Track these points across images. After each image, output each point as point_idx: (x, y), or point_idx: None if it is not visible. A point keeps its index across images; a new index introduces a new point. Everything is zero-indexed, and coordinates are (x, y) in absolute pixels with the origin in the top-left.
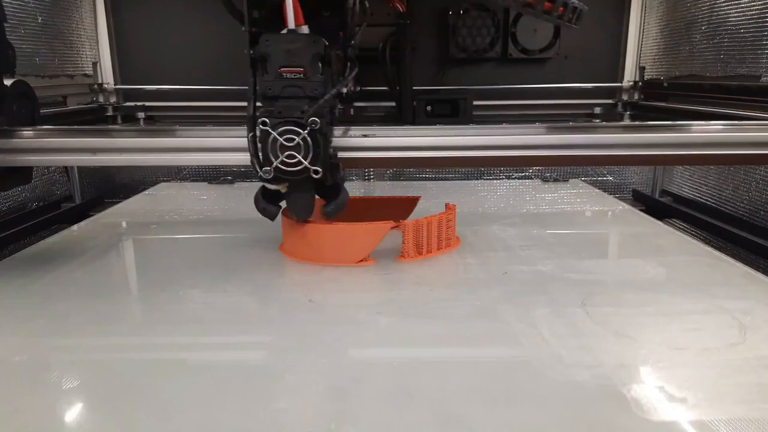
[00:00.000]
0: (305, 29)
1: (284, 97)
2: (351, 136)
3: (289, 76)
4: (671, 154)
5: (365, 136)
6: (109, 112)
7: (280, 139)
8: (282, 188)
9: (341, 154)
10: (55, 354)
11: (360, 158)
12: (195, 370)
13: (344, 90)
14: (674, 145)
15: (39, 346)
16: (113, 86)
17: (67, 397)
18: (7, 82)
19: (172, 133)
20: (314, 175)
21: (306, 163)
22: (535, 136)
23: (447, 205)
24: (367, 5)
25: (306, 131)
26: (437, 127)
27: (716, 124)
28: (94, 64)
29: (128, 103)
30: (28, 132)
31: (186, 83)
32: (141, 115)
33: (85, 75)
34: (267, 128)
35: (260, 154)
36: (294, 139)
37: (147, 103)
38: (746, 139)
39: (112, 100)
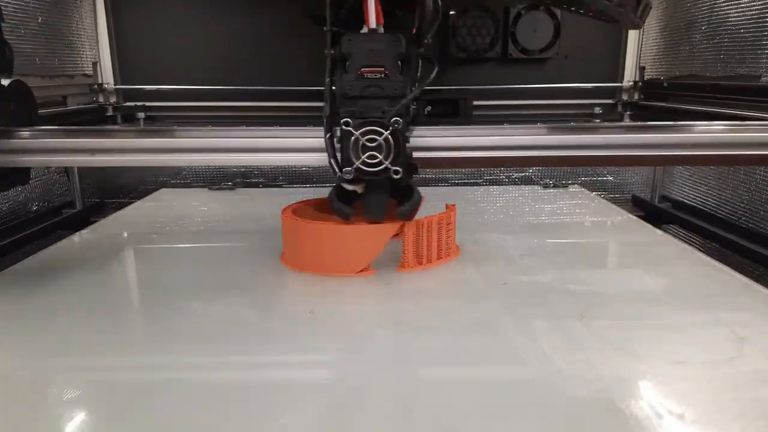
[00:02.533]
0: (380, 29)
1: (365, 97)
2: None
3: (370, 76)
4: (670, 155)
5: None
6: (109, 112)
7: (363, 140)
8: (359, 189)
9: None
10: (57, 370)
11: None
12: (196, 386)
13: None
14: (673, 146)
15: (40, 362)
16: (113, 86)
17: (70, 414)
18: (5, 82)
19: (171, 134)
20: (394, 176)
21: (387, 163)
22: (535, 136)
23: (447, 206)
24: (440, 4)
25: (388, 131)
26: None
27: (717, 124)
28: (94, 64)
29: (128, 103)
30: (25, 132)
31: (186, 83)
32: (141, 115)
33: (85, 75)
34: (349, 128)
35: (338, 154)
36: (376, 140)
37: (147, 103)
38: (747, 140)
39: (112, 100)
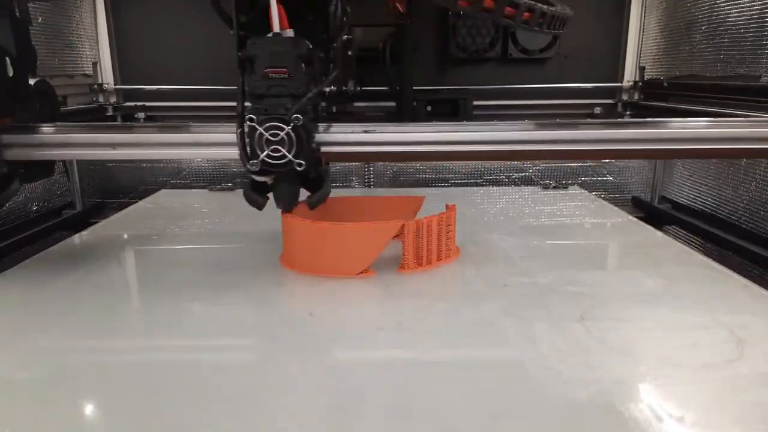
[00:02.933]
0: (290, 32)
1: (270, 96)
2: (353, 132)
3: (274, 76)
4: (653, 149)
5: (366, 132)
6: (109, 112)
7: (266, 134)
8: (269, 180)
9: (344, 149)
10: (59, 371)
11: (358, 152)
12: (195, 388)
13: (327, 89)
14: (655, 140)
15: (42, 363)
16: (113, 86)
17: (72, 417)
18: (30, 81)
19: (187, 129)
20: (297, 168)
21: (290, 156)
22: (523, 132)
23: (447, 206)
24: (349, 10)
25: (290, 127)
26: (427, 123)
27: (693, 121)
28: (94, 64)
29: (128, 103)
30: (49, 128)
31: (186, 83)
32: (141, 115)
33: (85, 75)
34: (254, 124)
35: (248, 148)
36: (279, 134)
37: (147, 103)
38: (725, 135)
39: (112, 100)
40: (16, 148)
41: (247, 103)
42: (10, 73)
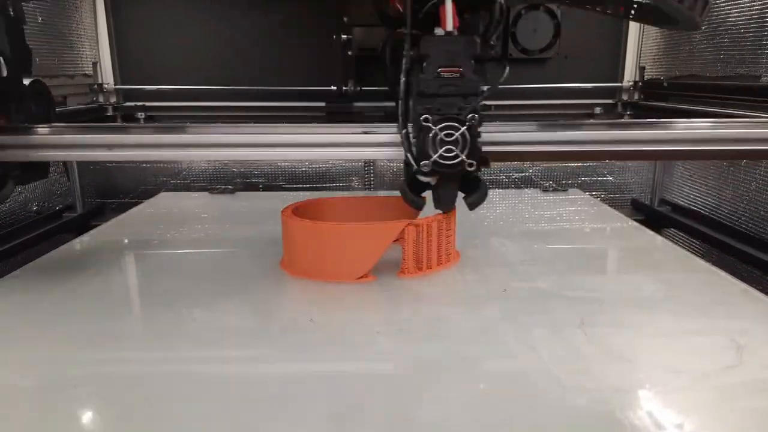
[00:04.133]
0: (456, 31)
1: (441, 95)
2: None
3: (447, 75)
4: (653, 150)
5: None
6: (109, 112)
7: (441, 134)
8: (433, 181)
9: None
10: (60, 377)
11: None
12: (196, 396)
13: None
14: (655, 141)
15: (43, 369)
16: (113, 86)
17: (72, 426)
18: (25, 81)
19: (183, 130)
20: (468, 168)
21: (463, 156)
22: (522, 133)
23: None
24: (505, 8)
25: (465, 127)
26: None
27: (699, 121)
28: (94, 64)
29: (128, 103)
30: (44, 129)
31: (186, 83)
32: (141, 115)
33: (85, 75)
34: (429, 124)
35: (413, 148)
36: (453, 134)
37: (147, 103)
38: (726, 136)
39: (112, 100)
40: (11, 149)
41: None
42: (4, 74)
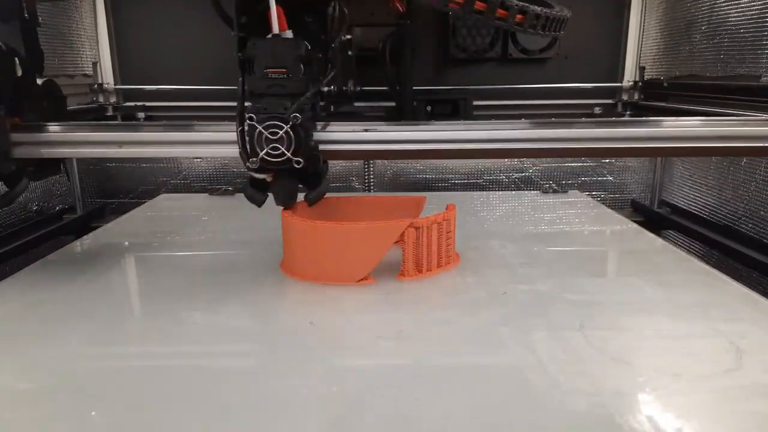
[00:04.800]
0: (289, 34)
1: (269, 95)
2: (353, 131)
3: (273, 76)
4: (646, 147)
5: (366, 130)
6: (109, 112)
7: (266, 133)
8: (268, 177)
9: (343, 147)
10: (60, 382)
11: (357, 150)
12: (196, 399)
13: (325, 89)
14: (648, 139)
15: (43, 373)
16: (113, 86)
17: (75, 427)
18: (38, 81)
19: (191, 128)
20: (296, 165)
21: (288, 154)
22: (516, 130)
23: (448, 206)
24: (347, 11)
25: (288, 125)
26: (424, 122)
27: (690, 119)
28: (94, 64)
29: (128, 103)
30: (57, 126)
31: (186, 83)
32: (141, 115)
33: (85, 75)
34: (254, 123)
35: (247, 146)
36: (278, 133)
37: (147, 103)
38: (716, 133)
39: (112, 100)
40: (25, 146)
41: (246, 103)
42: (19, 73)
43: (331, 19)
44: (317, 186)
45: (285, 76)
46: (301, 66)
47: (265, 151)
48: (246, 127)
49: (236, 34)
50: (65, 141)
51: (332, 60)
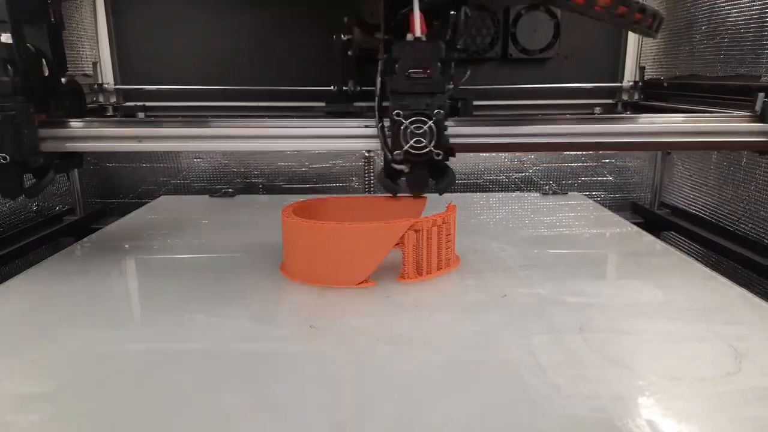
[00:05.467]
0: (424, 37)
1: (411, 93)
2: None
3: (416, 76)
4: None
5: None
6: (110, 112)
7: (411, 128)
8: (406, 168)
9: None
10: (62, 384)
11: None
12: (195, 404)
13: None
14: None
15: (45, 376)
16: (113, 86)
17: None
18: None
19: (206, 124)
20: (436, 157)
21: (430, 147)
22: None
23: (448, 206)
24: (470, 15)
25: (432, 120)
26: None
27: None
28: (94, 64)
29: (128, 103)
30: (80, 122)
31: (186, 83)
32: (141, 115)
33: (85, 75)
34: (400, 119)
35: (388, 140)
36: (422, 128)
37: (147, 103)
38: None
39: (112, 100)
40: (52, 140)
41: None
42: (46, 73)
43: (456, 24)
44: (445, 176)
45: (426, 76)
46: (440, 66)
47: (409, 144)
48: (386, 123)
49: (383, 37)
50: (88, 136)
51: (461, 60)
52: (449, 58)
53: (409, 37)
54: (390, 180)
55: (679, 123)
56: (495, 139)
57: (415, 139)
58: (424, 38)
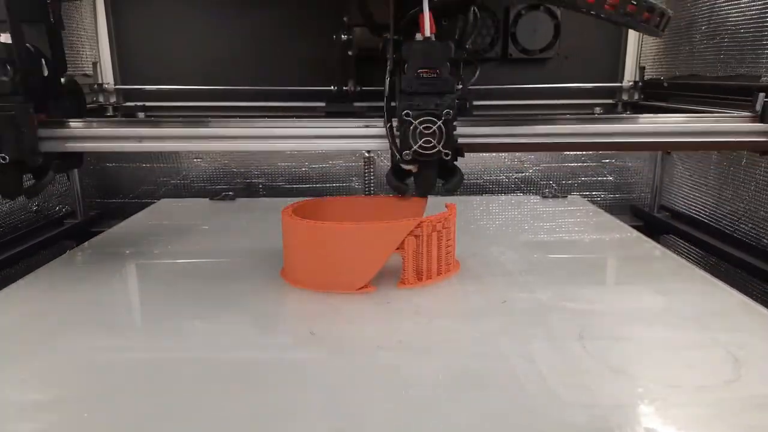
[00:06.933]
0: (433, 36)
1: (421, 93)
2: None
3: (425, 75)
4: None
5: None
6: (110, 112)
7: (420, 128)
8: (414, 168)
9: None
10: (62, 390)
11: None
12: (195, 409)
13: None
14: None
15: (46, 383)
16: (113, 86)
17: None
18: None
19: (206, 124)
20: (444, 157)
21: (439, 147)
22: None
23: (447, 206)
24: (479, 15)
25: (441, 121)
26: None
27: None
28: (94, 64)
29: (128, 103)
30: (80, 122)
31: (186, 83)
32: (141, 115)
33: (85, 75)
34: (409, 119)
35: (396, 140)
36: (431, 127)
37: (147, 103)
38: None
39: (112, 100)
40: (51, 140)
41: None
42: (46, 74)
43: (465, 24)
44: (453, 176)
45: (436, 75)
46: (449, 66)
47: (418, 144)
48: (395, 123)
49: (391, 37)
50: (87, 136)
51: (470, 61)
52: (458, 57)
53: (419, 36)
54: (398, 180)
55: (679, 123)
56: (499, 139)
57: (424, 139)
58: (433, 38)
